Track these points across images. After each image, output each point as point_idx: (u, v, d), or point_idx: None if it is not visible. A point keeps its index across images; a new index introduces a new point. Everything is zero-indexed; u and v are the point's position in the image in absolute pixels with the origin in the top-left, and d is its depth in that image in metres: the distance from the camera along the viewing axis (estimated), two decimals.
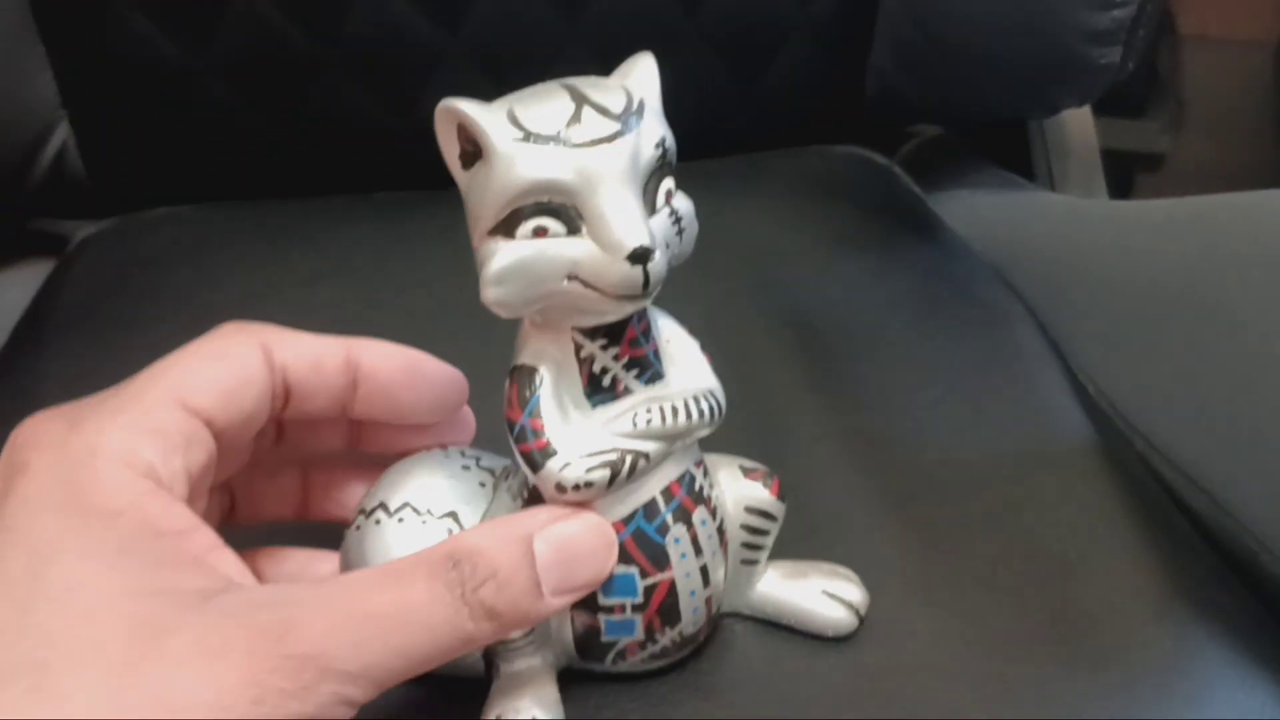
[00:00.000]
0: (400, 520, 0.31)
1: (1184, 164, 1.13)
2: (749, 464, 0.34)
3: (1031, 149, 0.64)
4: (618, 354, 0.30)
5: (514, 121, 0.27)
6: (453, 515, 0.31)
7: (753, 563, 0.34)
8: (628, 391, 0.30)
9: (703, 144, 0.62)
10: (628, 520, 0.30)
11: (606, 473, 0.29)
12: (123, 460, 0.27)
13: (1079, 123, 0.63)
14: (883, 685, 0.33)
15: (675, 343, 0.32)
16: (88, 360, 0.48)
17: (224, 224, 0.58)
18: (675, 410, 0.30)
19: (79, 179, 0.59)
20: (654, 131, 0.28)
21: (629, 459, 0.29)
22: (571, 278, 0.27)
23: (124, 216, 0.59)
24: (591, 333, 0.29)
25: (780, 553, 0.36)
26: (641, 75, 0.29)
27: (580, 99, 0.27)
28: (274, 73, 0.57)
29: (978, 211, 0.59)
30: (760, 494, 0.33)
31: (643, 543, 0.30)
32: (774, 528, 0.34)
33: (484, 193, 0.27)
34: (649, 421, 0.29)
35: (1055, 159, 0.63)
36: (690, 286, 0.50)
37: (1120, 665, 0.34)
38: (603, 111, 0.27)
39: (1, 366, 0.50)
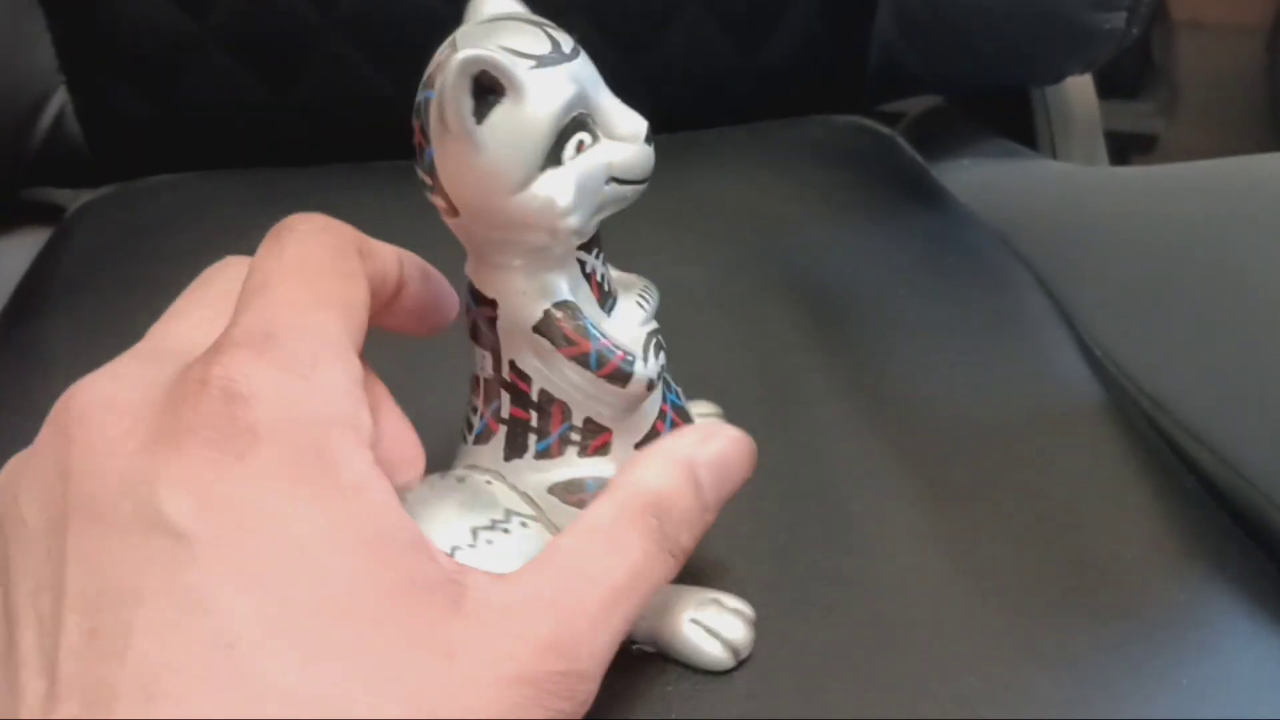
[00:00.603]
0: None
1: (1177, 146, 1.13)
2: None
3: (1034, 118, 0.64)
4: (603, 257, 0.30)
5: (517, 53, 0.26)
6: (491, 526, 0.30)
7: None
8: (614, 292, 0.31)
9: (705, 113, 0.62)
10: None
11: (662, 354, 0.31)
12: (355, 429, 0.24)
13: (1081, 92, 0.63)
14: (900, 636, 0.33)
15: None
16: (89, 323, 0.48)
17: (223, 191, 0.58)
18: (647, 285, 0.32)
19: (77, 146, 0.58)
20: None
21: (658, 337, 0.31)
22: (609, 180, 0.28)
23: (122, 184, 0.59)
24: (587, 246, 0.29)
25: (791, 508, 0.37)
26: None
27: (532, 22, 0.28)
28: (273, 40, 0.57)
29: (981, 180, 0.59)
30: None
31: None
32: None
33: (519, 133, 0.26)
34: (649, 301, 0.32)
35: (1057, 128, 0.63)
36: (697, 252, 0.51)
37: (1134, 617, 0.34)
38: (553, 28, 0.28)
39: (3, 330, 0.50)
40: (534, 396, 0.30)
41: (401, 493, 0.25)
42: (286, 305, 0.24)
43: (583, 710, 0.24)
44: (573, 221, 0.27)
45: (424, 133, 0.27)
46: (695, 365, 0.43)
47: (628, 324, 0.31)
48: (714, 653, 0.31)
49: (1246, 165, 0.44)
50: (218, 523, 0.22)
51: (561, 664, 0.23)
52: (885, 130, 0.64)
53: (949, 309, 0.48)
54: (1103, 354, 0.46)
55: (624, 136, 0.28)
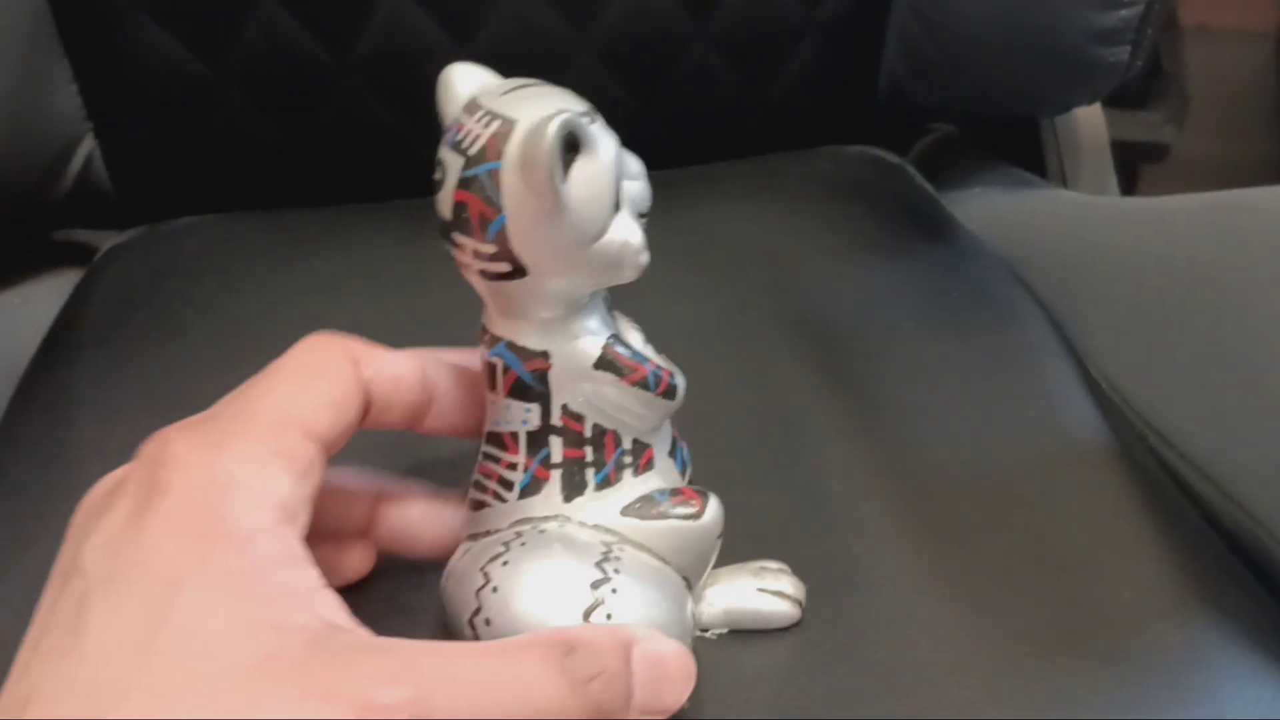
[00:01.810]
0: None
1: (1187, 155, 1.13)
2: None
3: (1043, 146, 0.64)
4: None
5: (575, 114, 0.28)
6: (604, 559, 0.31)
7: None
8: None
9: (714, 148, 0.63)
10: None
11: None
12: (260, 490, 0.27)
13: (1090, 120, 0.63)
14: (898, 681, 0.33)
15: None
16: (119, 367, 0.49)
17: (247, 233, 0.59)
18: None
19: (104, 189, 0.60)
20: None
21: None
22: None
23: (149, 226, 0.60)
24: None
25: (797, 551, 0.37)
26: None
27: (539, 84, 0.30)
28: (291, 84, 0.58)
29: (991, 210, 0.60)
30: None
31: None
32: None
33: (596, 185, 0.29)
34: (625, 318, 0.34)
35: (1067, 156, 0.63)
36: (703, 289, 0.52)
37: (1133, 660, 0.34)
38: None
39: (34, 375, 0.51)
40: (588, 433, 0.32)
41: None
42: (238, 397, 0.29)
43: None
44: (645, 256, 0.30)
45: (490, 204, 0.28)
46: (698, 404, 0.43)
47: (639, 343, 0.33)
48: (787, 610, 0.35)
49: (1254, 198, 0.45)
50: (113, 563, 0.26)
51: (408, 690, 0.24)
52: (895, 160, 0.64)
53: (955, 344, 0.48)
54: (1109, 387, 0.47)
55: (634, 175, 0.30)
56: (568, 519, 0.32)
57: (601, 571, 0.30)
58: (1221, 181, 0.47)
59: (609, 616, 0.30)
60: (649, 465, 0.33)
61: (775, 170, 0.62)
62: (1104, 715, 0.33)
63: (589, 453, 0.32)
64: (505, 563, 0.30)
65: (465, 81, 0.30)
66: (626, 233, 0.29)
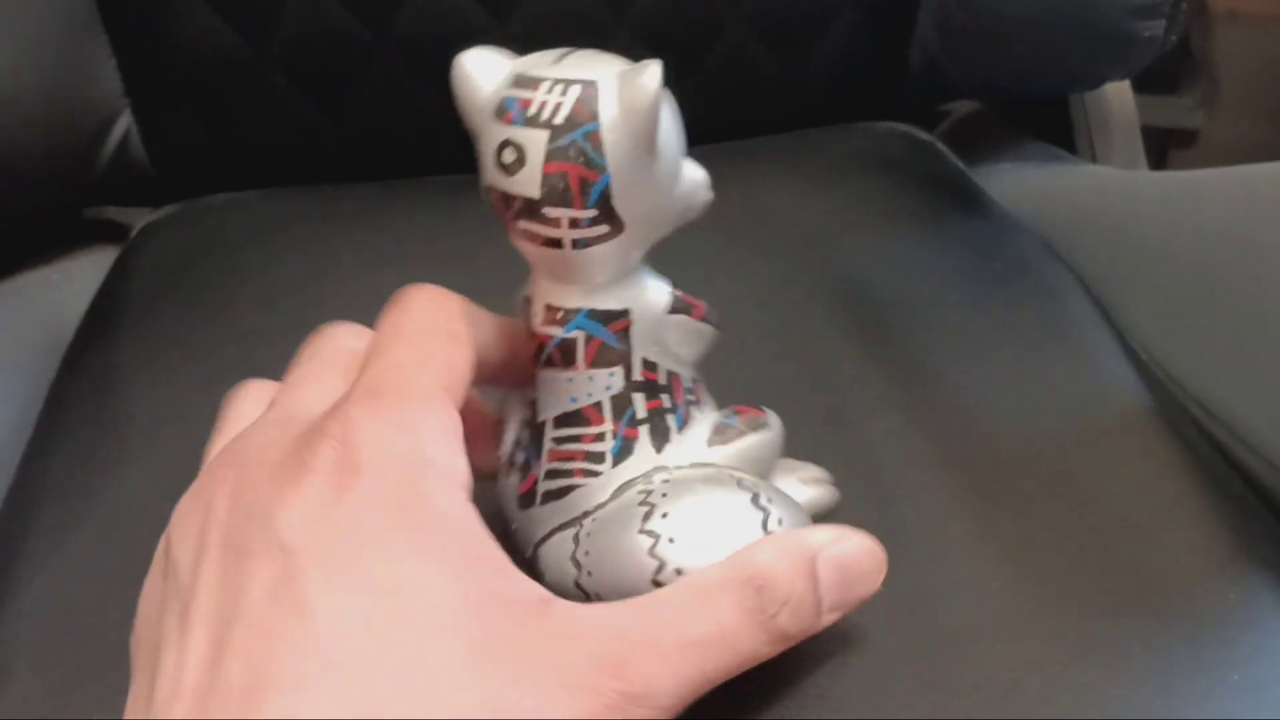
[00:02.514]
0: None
1: (1217, 139, 1.13)
2: None
3: (1073, 123, 0.64)
4: None
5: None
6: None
7: None
8: None
9: (749, 123, 0.63)
10: None
11: None
12: (452, 470, 0.27)
13: (1120, 96, 0.63)
14: (961, 642, 0.34)
15: None
16: (164, 339, 0.50)
17: (282, 209, 0.59)
18: None
19: (141, 166, 0.60)
20: None
21: None
22: None
23: (186, 203, 0.61)
24: None
25: (850, 518, 0.37)
26: None
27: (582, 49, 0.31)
28: (331, 63, 0.59)
29: (1022, 185, 0.60)
30: None
31: None
32: None
33: (673, 133, 0.30)
34: None
35: (1097, 132, 0.63)
36: (743, 262, 0.52)
37: (1188, 620, 0.35)
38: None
39: (80, 347, 0.52)
40: (662, 380, 0.32)
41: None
42: (394, 368, 0.28)
43: None
44: (711, 192, 0.32)
45: (593, 167, 0.28)
46: (745, 375, 0.44)
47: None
48: (831, 492, 0.38)
49: None
50: (322, 540, 0.25)
51: (621, 684, 0.25)
52: (925, 136, 0.64)
53: (996, 316, 0.49)
54: (1149, 359, 0.47)
55: None
56: (665, 467, 0.32)
57: (745, 489, 0.31)
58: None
59: (780, 522, 0.31)
60: (706, 395, 0.34)
61: (809, 146, 0.62)
62: (1162, 672, 0.33)
63: (666, 399, 0.33)
64: (664, 514, 0.30)
65: (484, 65, 0.30)
66: (696, 171, 0.31)
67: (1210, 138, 1.15)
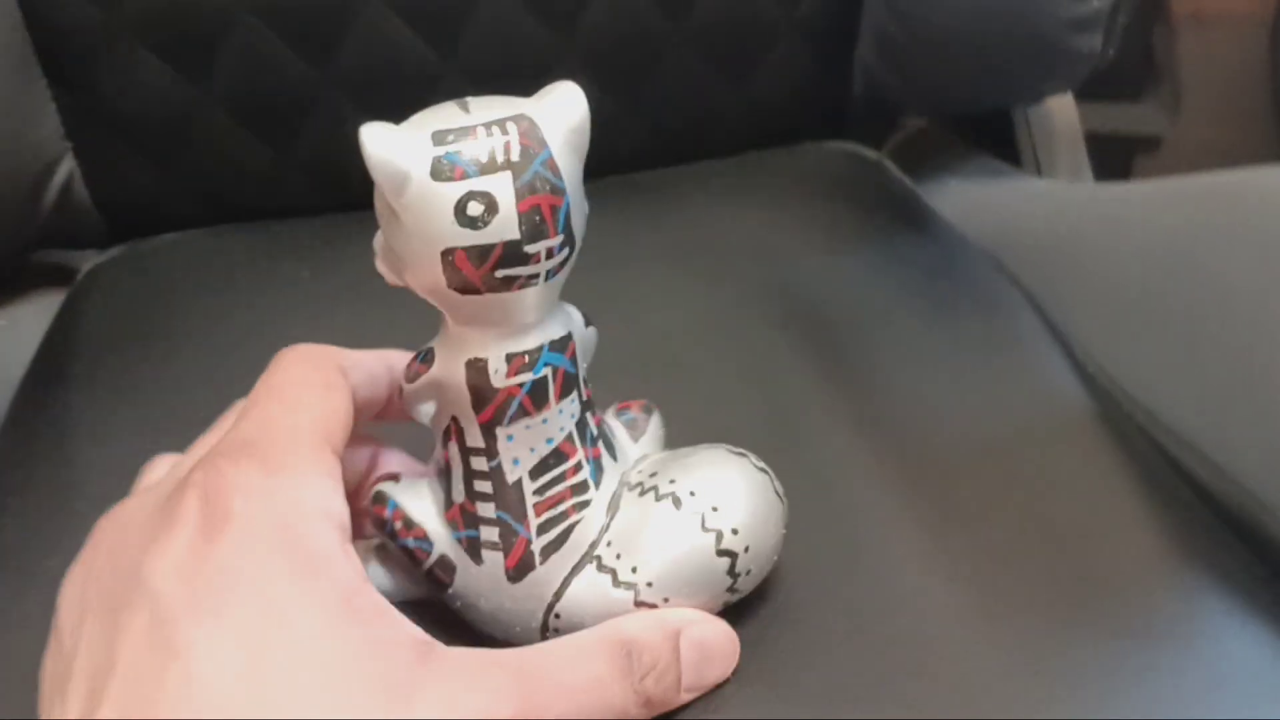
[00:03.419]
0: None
1: (1182, 145, 1.13)
2: None
3: (1016, 136, 0.64)
4: None
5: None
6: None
7: None
8: None
9: (696, 146, 0.63)
10: None
11: None
12: (325, 513, 0.27)
13: (1062, 108, 0.64)
14: (915, 660, 0.34)
15: None
16: (112, 387, 0.49)
17: (233, 247, 0.59)
18: None
19: (86, 209, 0.60)
20: None
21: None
22: None
23: (131, 244, 0.60)
24: None
25: (803, 537, 0.37)
26: None
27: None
28: (273, 99, 0.58)
29: (969, 201, 0.60)
30: None
31: None
32: None
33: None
34: None
35: (1041, 145, 0.64)
36: (692, 286, 0.52)
37: (1137, 628, 0.35)
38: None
39: (26, 398, 0.51)
40: (591, 392, 0.33)
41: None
42: (263, 419, 0.28)
43: None
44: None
45: (556, 191, 0.29)
46: (695, 400, 0.44)
47: None
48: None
49: (1231, 180, 0.46)
50: (193, 585, 0.25)
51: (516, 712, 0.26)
52: (873, 155, 0.65)
53: (944, 332, 0.49)
54: (1095, 369, 0.47)
55: None
56: (628, 472, 0.34)
57: (750, 460, 0.34)
58: (1217, 170, 0.48)
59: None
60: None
61: (756, 168, 0.62)
62: (1113, 677, 0.33)
63: (597, 411, 0.33)
64: (715, 509, 0.32)
65: (388, 139, 0.28)
66: None
67: (1175, 143, 1.15)
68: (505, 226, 0.28)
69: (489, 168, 0.28)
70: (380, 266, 0.31)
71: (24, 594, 0.40)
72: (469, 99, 0.30)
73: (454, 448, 0.31)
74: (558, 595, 0.32)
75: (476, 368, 0.30)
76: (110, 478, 0.43)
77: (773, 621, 0.35)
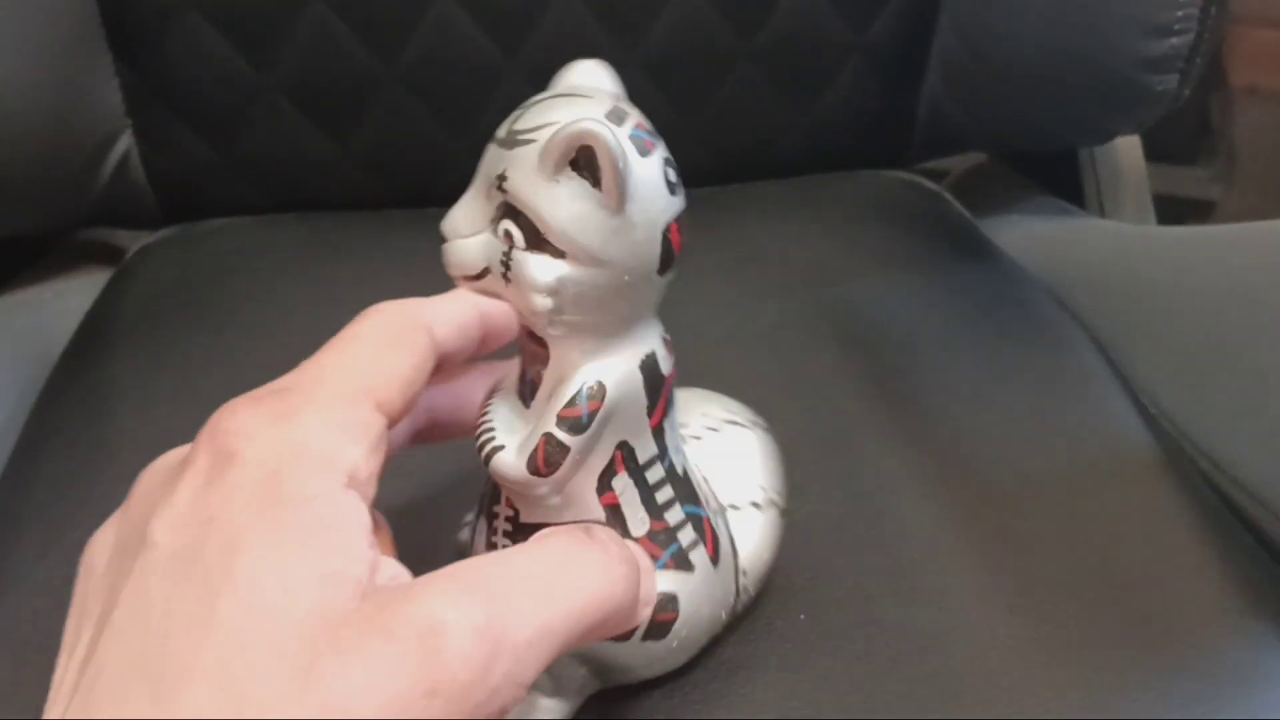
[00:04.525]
0: None
1: (1234, 212, 1.13)
2: None
3: (1082, 176, 0.64)
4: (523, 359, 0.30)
5: None
6: None
7: None
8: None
9: (755, 167, 0.63)
10: None
11: None
12: (328, 457, 0.26)
13: (1130, 151, 0.63)
14: (967, 689, 0.33)
15: (550, 405, 0.29)
16: (154, 360, 0.49)
17: (282, 236, 0.59)
18: (484, 429, 0.30)
19: (140, 188, 0.60)
20: (504, 163, 0.27)
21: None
22: None
23: (183, 226, 0.60)
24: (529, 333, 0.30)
25: (856, 559, 0.37)
26: (567, 132, 0.27)
27: (526, 106, 0.28)
28: (335, 89, 0.58)
29: (1030, 237, 0.59)
30: None
31: None
32: None
33: None
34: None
35: (1106, 186, 0.63)
36: (750, 303, 0.51)
37: (1196, 670, 0.34)
38: (514, 121, 0.28)
39: (68, 366, 0.51)
40: None
41: None
42: (308, 369, 0.28)
43: (498, 696, 0.24)
44: None
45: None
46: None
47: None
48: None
49: None
50: (182, 533, 0.25)
51: (477, 617, 0.24)
52: (933, 186, 0.64)
53: (1004, 364, 0.48)
54: (1158, 411, 0.46)
55: None
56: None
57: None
58: None
59: None
60: None
61: (815, 191, 0.62)
62: None
63: None
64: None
65: (603, 128, 0.26)
66: None
67: (1226, 209, 1.15)
68: (681, 189, 0.28)
69: (654, 133, 0.27)
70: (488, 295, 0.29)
71: (46, 556, 0.40)
72: (538, 97, 0.28)
73: (621, 480, 0.29)
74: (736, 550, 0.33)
75: (648, 364, 0.29)
76: (146, 447, 0.43)
77: (820, 644, 0.34)
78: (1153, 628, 0.36)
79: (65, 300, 0.58)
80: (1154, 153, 0.65)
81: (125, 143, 0.58)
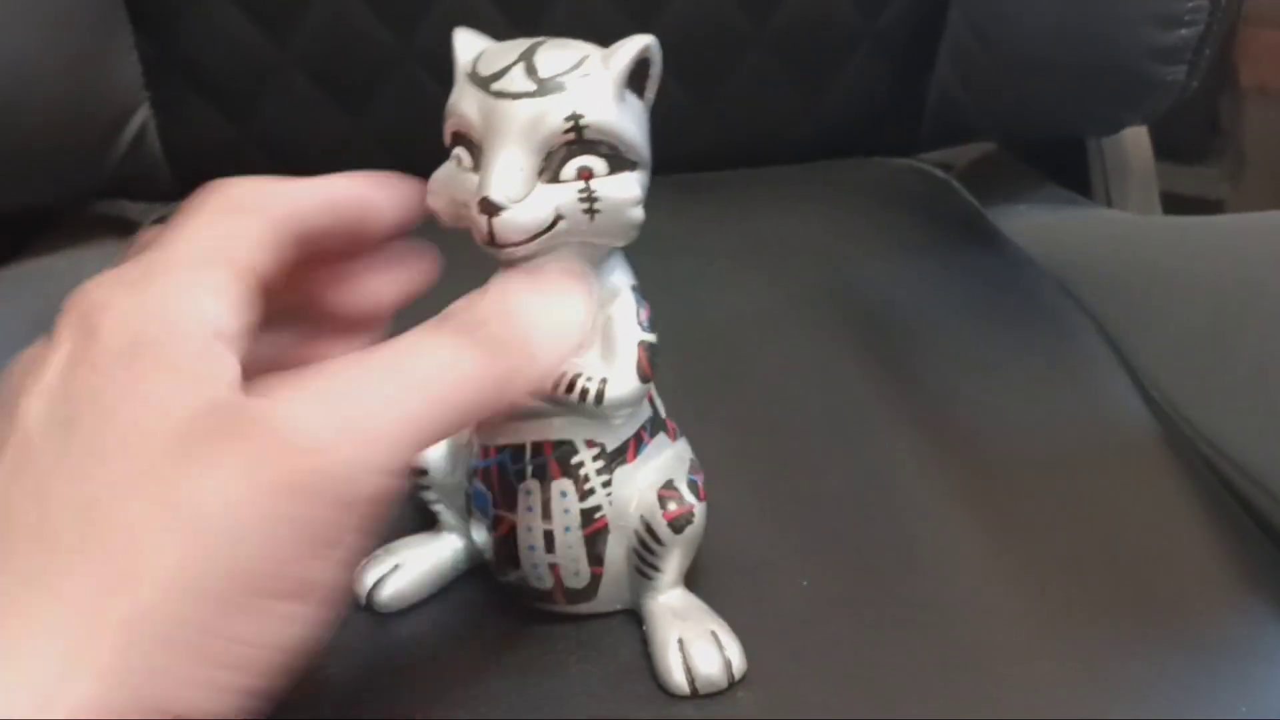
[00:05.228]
0: None
1: (1242, 211, 1.13)
2: (679, 482, 0.33)
3: (1089, 166, 0.64)
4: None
5: (474, 58, 0.29)
6: None
7: (645, 575, 0.33)
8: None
9: (764, 152, 0.63)
10: (500, 450, 0.32)
11: None
12: (189, 312, 0.26)
13: (1137, 141, 0.63)
14: (972, 656, 0.33)
15: (614, 326, 0.31)
16: None
17: None
18: (570, 382, 0.30)
19: (156, 161, 0.60)
20: (569, 104, 0.28)
21: None
22: (466, 207, 0.29)
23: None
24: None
25: (861, 531, 0.37)
26: (618, 53, 0.30)
27: (526, 55, 0.29)
28: (351, 66, 0.59)
29: (1037, 225, 0.59)
30: (654, 512, 0.32)
31: (501, 477, 0.32)
32: (664, 552, 0.33)
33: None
34: None
35: (1114, 176, 0.63)
36: (759, 283, 0.52)
37: (1198, 649, 0.34)
38: (531, 71, 0.28)
39: None
40: None
41: None
42: (159, 243, 0.28)
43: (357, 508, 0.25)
44: (430, 201, 0.31)
45: None
46: (751, 388, 0.43)
47: None
48: (675, 677, 0.32)
49: None
50: (51, 403, 0.25)
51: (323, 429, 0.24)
52: (940, 174, 0.64)
53: (1008, 349, 0.49)
54: (1161, 398, 0.47)
55: (476, 190, 0.29)
56: None
57: None
58: None
59: None
60: None
61: (824, 177, 0.62)
62: (1172, 700, 0.33)
63: None
64: None
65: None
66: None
67: (1234, 208, 1.15)
68: None
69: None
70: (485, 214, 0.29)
71: None
72: (513, 55, 0.29)
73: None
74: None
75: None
76: None
77: (829, 612, 0.35)
78: (1152, 604, 0.36)
79: (79, 271, 0.57)
80: (1163, 151, 0.65)
81: (142, 116, 0.59)
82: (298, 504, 0.24)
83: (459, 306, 0.28)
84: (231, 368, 0.26)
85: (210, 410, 0.25)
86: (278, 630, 0.24)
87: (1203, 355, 0.46)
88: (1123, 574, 0.37)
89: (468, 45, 0.30)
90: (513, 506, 0.32)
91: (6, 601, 0.23)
